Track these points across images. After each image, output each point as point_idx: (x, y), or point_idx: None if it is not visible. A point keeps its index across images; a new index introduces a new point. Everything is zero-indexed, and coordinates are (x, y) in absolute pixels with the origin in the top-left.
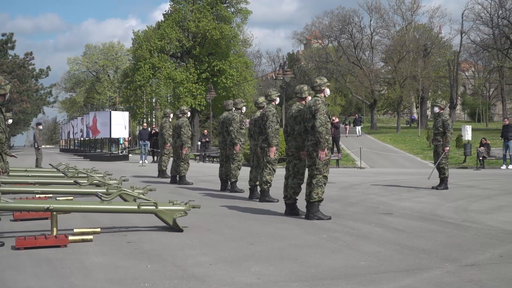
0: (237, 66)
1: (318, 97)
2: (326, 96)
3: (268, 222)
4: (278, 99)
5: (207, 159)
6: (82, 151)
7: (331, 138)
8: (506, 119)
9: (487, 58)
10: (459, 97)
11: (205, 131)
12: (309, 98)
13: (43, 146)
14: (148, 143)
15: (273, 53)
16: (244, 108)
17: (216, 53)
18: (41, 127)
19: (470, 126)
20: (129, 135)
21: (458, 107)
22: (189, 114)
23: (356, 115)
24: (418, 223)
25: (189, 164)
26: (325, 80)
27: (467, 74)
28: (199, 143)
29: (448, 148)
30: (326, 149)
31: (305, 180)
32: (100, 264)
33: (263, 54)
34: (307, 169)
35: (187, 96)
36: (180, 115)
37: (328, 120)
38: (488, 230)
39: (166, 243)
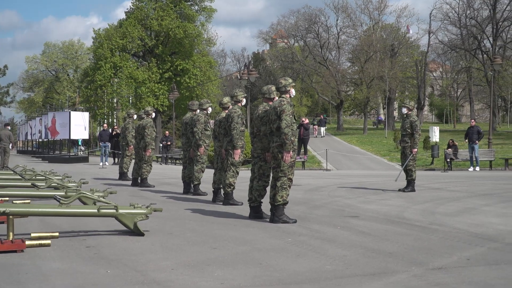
0: (200, 65)
1: (283, 98)
2: (292, 96)
3: (231, 226)
4: (244, 100)
5: (169, 161)
6: (41, 152)
7: (297, 139)
8: (472, 120)
9: (455, 58)
10: (426, 98)
11: (167, 132)
12: (277, 99)
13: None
14: (109, 144)
15: (238, 52)
16: (210, 109)
17: (179, 52)
18: (9, 127)
19: (438, 127)
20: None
21: (426, 108)
22: (153, 115)
23: (321, 115)
24: (385, 226)
25: (151, 166)
26: (290, 80)
27: (434, 74)
28: (161, 145)
29: (416, 149)
30: (291, 151)
31: (270, 182)
32: (58, 270)
33: (228, 54)
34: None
35: (149, 96)
36: (144, 116)
37: (294, 121)
38: (455, 233)
39: (127, 248)
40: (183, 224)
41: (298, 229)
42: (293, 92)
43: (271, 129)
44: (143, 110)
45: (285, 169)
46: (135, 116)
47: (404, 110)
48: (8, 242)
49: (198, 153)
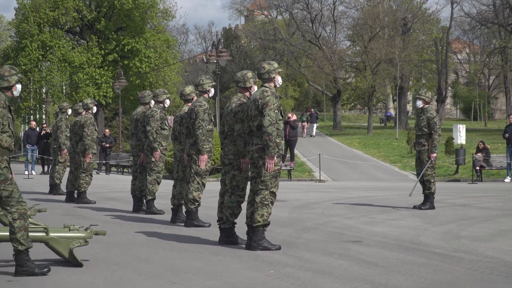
0: (155, 45)
1: (266, 87)
2: (278, 85)
3: (196, 254)
4: (212, 90)
5: (113, 169)
6: None
7: (283, 141)
8: None
9: (485, 36)
10: (449, 88)
11: (107, 130)
12: (255, 88)
13: None
14: (37, 148)
15: (204, 28)
16: (167, 102)
17: (127, 27)
18: None
19: (464, 125)
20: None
21: (448, 100)
22: (94, 109)
23: (312, 109)
24: (396, 254)
25: (92, 176)
26: (276, 65)
27: (459, 57)
28: (99, 147)
29: (435, 154)
30: (276, 157)
31: (247, 198)
32: None
33: (191, 30)
34: (249, 183)
35: (88, 85)
36: (82, 111)
37: (280, 117)
38: (486, 262)
39: (60, 282)
40: (133, 252)
41: (283, 258)
42: (279, 80)
43: (251, 128)
44: (80, 103)
45: (267, 180)
46: (69, 111)
47: (419, 103)
48: None
49: (153, 159)
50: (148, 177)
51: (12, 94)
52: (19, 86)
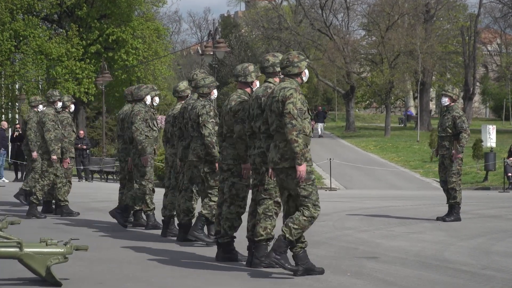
0: (143, 34)
1: (271, 83)
2: (303, 81)
3: (191, 272)
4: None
5: (96, 176)
6: None
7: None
8: None
9: None
10: (477, 83)
11: (81, 132)
12: (257, 83)
13: None
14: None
15: (199, 15)
16: (156, 99)
17: (112, 15)
18: None
19: (495, 126)
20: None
21: (477, 98)
22: (72, 107)
23: (319, 107)
24: (417, 272)
25: (70, 183)
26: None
27: (490, 48)
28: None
29: (460, 155)
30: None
31: (247, 208)
32: None
33: (184, 17)
34: (250, 192)
35: (67, 80)
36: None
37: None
38: None
39: None
40: (119, 269)
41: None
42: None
43: (252, 130)
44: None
45: (271, 188)
46: (41, 107)
47: (446, 101)
48: None
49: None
50: (135, 185)
51: (302, 80)
52: (307, 72)
